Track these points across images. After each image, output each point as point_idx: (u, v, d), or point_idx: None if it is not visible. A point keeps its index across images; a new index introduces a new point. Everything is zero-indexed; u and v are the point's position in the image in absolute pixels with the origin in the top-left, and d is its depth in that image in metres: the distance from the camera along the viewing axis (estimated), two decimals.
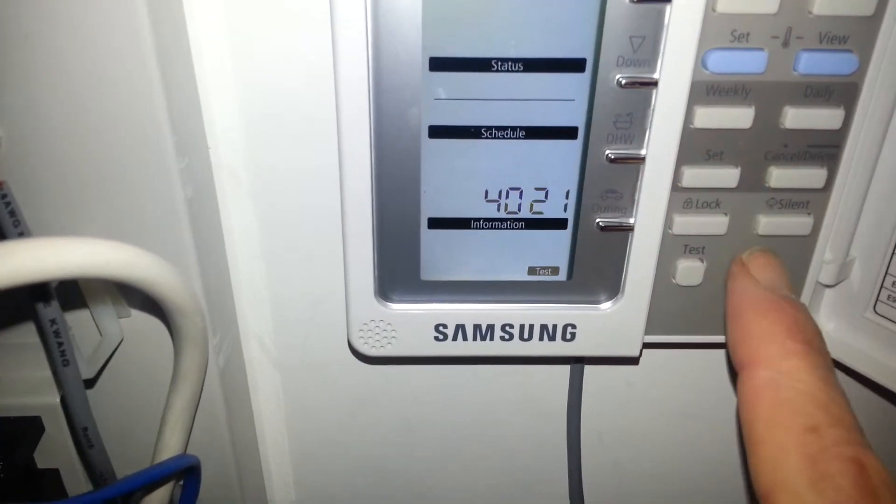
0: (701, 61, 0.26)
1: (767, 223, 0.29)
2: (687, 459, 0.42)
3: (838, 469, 0.17)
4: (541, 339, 0.32)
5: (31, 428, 0.31)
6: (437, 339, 0.32)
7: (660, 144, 0.27)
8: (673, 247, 0.30)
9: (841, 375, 0.37)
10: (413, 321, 0.31)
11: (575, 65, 0.26)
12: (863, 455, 0.18)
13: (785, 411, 0.19)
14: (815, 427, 0.18)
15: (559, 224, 0.30)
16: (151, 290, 0.24)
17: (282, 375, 0.38)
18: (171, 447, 0.30)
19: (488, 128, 0.28)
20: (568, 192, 0.29)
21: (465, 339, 0.32)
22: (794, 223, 0.29)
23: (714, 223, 0.29)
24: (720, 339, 0.32)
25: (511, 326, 0.31)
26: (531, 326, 0.31)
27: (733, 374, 0.38)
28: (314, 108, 0.30)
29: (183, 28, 0.28)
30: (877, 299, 0.31)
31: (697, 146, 0.28)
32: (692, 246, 0.30)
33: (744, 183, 0.29)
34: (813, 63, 0.26)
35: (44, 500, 0.32)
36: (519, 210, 0.29)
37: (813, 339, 0.22)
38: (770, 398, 0.20)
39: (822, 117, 0.27)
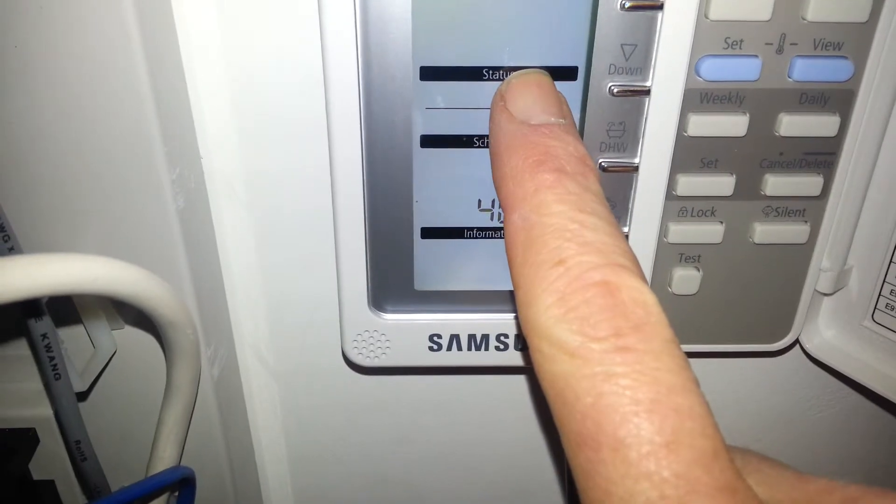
0: (694, 69, 0.26)
1: (763, 231, 0.29)
2: None
3: (583, 298, 0.16)
4: None
5: (25, 440, 0.31)
6: (431, 349, 0.31)
7: (653, 153, 0.27)
8: (668, 255, 0.30)
9: (839, 385, 0.37)
10: (407, 331, 0.31)
11: (566, 73, 0.26)
12: (612, 275, 0.17)
13: (535, 249, 0.18)
14: (563, 260, 0.17)
15: None
16: (141, 304, 0.24)
17: (278, 384, 0.38)
18: (165, 459, 0.30)
19: (480, 137, 0.28)
20: None
21: (459, 349, 0.31)
22: (790, 231, 0.29)
23: (709, 232, 0.29)
24: (716, 348, 0.32)
25: (506, 336, 0.31)
26: None
27: (727, 382, 0.37)
28: (307, 115, 0.30)
29: (174, 37, 0.28)
30: (875, 308, 0.30)
31: (691, 154, 0.28)
32: (688, 255, 0.30)
33: (739, 191, 0.28)
34: (807, 70, 0.26)
35: None
36: None
37: (566, 165, 0.20)
38: (522, 239, 0.18)
39: (818, 124, 0.27)
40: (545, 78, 0.23)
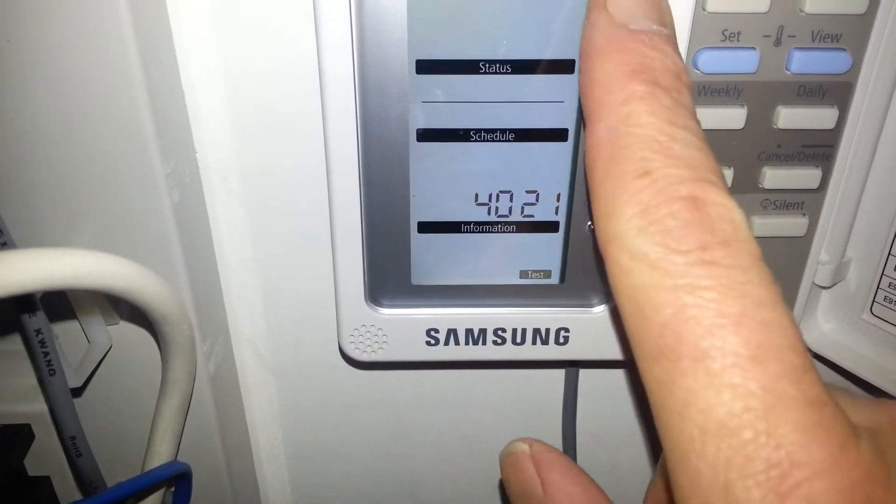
0: (692, 61, 0.26)
1: (762, 224, 0.29)
2: None
3: (668, 211, 0.16)
4: (534, 342, 0.31)
5: (20, 436, 0.31)
6: (428, 343, 0.31)
7: None
8: None
9: (838, 378, 0.37)
10: (404, 326, 0.31)
11: (563, 66, 0.26)
12: (699, 190, 0.16)
13: (619, 160, 0.17)
14: (648, 171, 0.16)
15: (551, 227, 0.29)
16: (136, 299, 0.24)
17: (275, 380, 0.38)
18: (161, 454, 0.30)
19: (477, 130, 0.27)
20: (559, 195, 0.29)
21: (457, 343, 0.31)
22: (788, 224, 0.29)
23: None
24: None
25: (503, 330, 0.31)
26: (524, 330, 0.31)
27: None
28: (303, 109, 0.30)
29: (167, 30, 0.27)
30: (873, 301, 0.30)
31: None
32: None
33: (737, 184, 0.28)
34: (805, 62, 0.26)
35: None
36: (510, 213, 0.29)
37: (661, 77, 0.18)
38: (607, 150, 0.18)
39: (816, 117, 0.27)
40: None
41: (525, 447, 0.24)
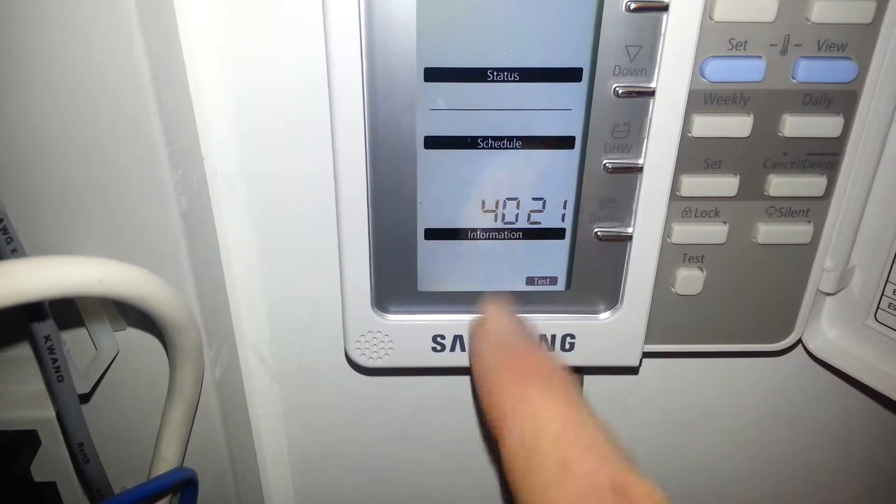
0: (698, 70, 0.26)
1: (767, 231, 0.29)
2: (686, 467, 0.41)
3: (598, 502, 0.18)
4: None
5: (27, 441, 0.31)
6: (434, 349, 0.31)
7: (658, 153, 0.27)
8: (672, 256, 0.30)
9: (842, 384, 0.37)
10: (410, 332, 0.31)
11: (571, 74, 0.26)
12: (619, 475, 0.18)
13: (537, 460, 0.19)
14: (566, 463, 0.19)
15: (557, 234, 0.29)
16: (145, 306, 0.24)
17: (279, 385, 0.38)
18: (167, 460, 0.30)
19: (485, 138, 0.27)
20: (566, 202, 0.29)
21: (462, 349, 0.31)
22: (794, 231, 0.29)
23: (713, 232, 0.29)
24: (720, 347, 0.32)
25: None
26: None
27: (730, 382, 0.38)
28: (310, 116, 0.30)
29: (176, 37, 0.27)
30: (877, 307, 0.31)
31: (696, 155, 0.28)
32: (691, 255, 0.30)
33: (743, 191, 0.28)
34: (811, 71, 0.26)
35: None
36: (516, 220, 0.29)
37: (551, 375, 0.22)
38: (524, 452, 0.20)
39: (822, 125, 0.27)
40: (512, 313, 0.27)
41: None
